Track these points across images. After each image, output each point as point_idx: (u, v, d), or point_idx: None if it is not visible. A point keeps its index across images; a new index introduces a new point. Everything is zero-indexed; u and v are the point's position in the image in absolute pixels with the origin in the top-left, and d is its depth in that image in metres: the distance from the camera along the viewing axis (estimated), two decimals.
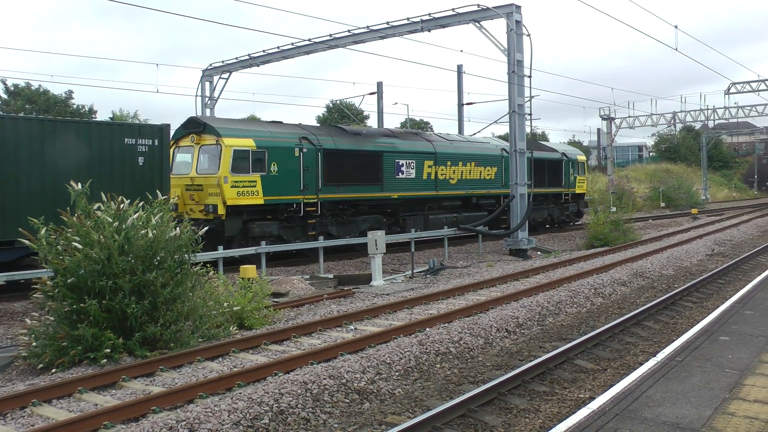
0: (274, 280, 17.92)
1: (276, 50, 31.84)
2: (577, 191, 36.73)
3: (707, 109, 70.45)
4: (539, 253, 26.84)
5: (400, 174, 25.70)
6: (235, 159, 20.44)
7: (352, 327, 12.74)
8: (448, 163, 27.70)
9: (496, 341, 11.68)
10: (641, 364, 8.59)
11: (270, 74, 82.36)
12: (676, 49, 31.98)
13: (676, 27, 31.25)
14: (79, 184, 11.65)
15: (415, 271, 20.92)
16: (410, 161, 26.12)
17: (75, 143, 16.34)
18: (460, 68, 38.32)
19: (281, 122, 24.09)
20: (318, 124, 30.04)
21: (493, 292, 16.41)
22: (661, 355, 8.69)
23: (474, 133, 32.56)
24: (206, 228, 13.05)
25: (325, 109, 69.49)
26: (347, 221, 23.81)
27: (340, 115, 64.44)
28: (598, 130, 68.83)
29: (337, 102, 62.74)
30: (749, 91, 62.54)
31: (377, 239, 18.71)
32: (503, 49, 24.58)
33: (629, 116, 70.15)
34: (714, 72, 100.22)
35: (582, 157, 37.73)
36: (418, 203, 26.77)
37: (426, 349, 10.69)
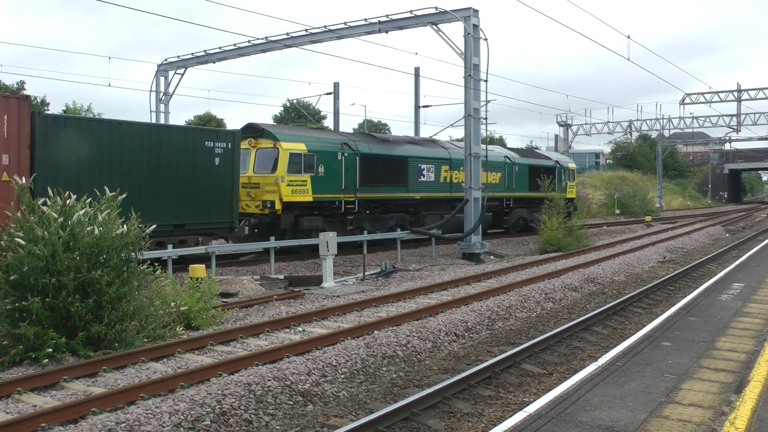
0: (223, 280, 17.86)
1: (232, 47, 31.71)
2: (568, 195, 39.91)
3: (663, 118, 72.30)
4: (492, 257, 27.18)
5: (421, 177, 29.33)
6: (290, 161, 23.75)
7: (300, 328, 12.79)
8: (461, 168, 30.73)
9: (444, 345, 11.84)
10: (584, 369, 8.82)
11: (226, 72, 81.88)
12: (629, 59, 32.70)
13: (628, 37, 31.92)
14: (23, 179, 11.59)
15: (366, 273, 21.03)
16: (430, 166, 29.80)
17: (167, 145, 19.29)
18: (417, 71, 38.57)
19: (325, 129, 27.57)
20: (352, 132, 34.41)
21: (444, 296, 16.60)
22: (603, 360, 8.94)
23: (431, 136, 33.00)
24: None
25: (281, 109, 69.22)
26: (378, 218, 27.33)
27: (297, 114, 64.28)
28: (556, 136, 69.88)
29: (294, 101, 62.56)
30: (703, 102, 64.31)
31: (328, 240, 18.78)
32: (460, 53, 24.85)
33: (586, 123, 71.48)
34: (668, 83, 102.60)
35: (572, 165, 41.78)
36: (436, 203, 30.11)
37: (373, 351, 10.80)
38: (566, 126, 70.84)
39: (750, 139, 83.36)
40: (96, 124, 18.51)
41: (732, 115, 66.34)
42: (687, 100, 64.75)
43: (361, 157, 26.49)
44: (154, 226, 12.80)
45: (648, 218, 48.33)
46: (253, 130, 24.39)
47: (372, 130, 71.60)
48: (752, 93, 62.99)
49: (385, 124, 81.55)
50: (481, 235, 26.24)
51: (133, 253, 11.38)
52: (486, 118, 26.05)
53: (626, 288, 18.88)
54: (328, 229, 24.50)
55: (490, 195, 31.18)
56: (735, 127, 66.87)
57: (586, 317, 13.52)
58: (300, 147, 24.34)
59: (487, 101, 26.10)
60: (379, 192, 26.87)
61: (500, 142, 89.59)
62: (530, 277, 18.98)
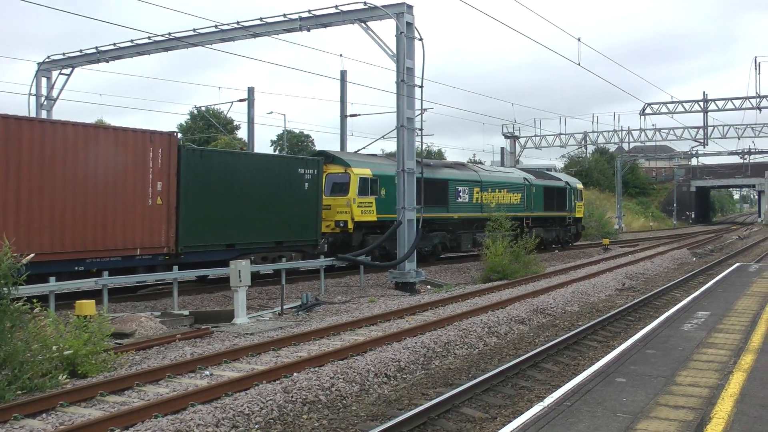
0: (117, 318, 17.57)
1: (129, 44, 31.36)
2: (576, 215, 48.98)
3: (621, 130, 74.36)
4: (429, 287, 27.44)
5: (458, 198, 35.72)
6: (360, 185, 29.72)
7: (207, 372, 12.69)
8: (489, 189, 38.35)
9: (373, 388, 11.91)
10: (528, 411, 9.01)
11: (123, 73, 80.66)
12: (579, 64, 33.58)
13: (578, 40, 32.85)
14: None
15: (285, 307, 20.99)
16: (465, 188, 36.43)
17: (270, 171, 25.47)
18: (343, 75, 38.83)
19: (383, 155, 36.00)
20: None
21: (374, 332, 16.72)
22: (549, 400, 9.14)
23: (358, 150, 33.48)
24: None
25: (188, 117, 68.70)
26: (425, 236, 32.53)
27: (206, 123, 63.87)
28: (502, 149, 71.08)
29: (202, 109, 62.14)
30: (665, 113, 66.34)
31: (241, 270, 18.70)
32: (392, 55, 25.17)
33: (535, 135, 72.95)
34: (626, 92, 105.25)
35: (580, 186, 50.23)
36: (469, 223, 36.60)
37: (292, 397, 10.79)
38: (513, 138, 72.12)
39: (719, 153, 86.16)
40: (219, 155, 24.57)
41: (698, 127, 68.49)
42: (648, 111, 66.67)
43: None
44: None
45: (605, 241, 49.56)
46: (324, 157, 29.84)
47: (293, 142, 71.69)
48: (720, 103, 65.17)
49: (307, 136, 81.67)
50: (416, 262, 26.51)
51: (5, 288, 11.12)
52: (422, 129, 26.37)
53: (580, 319, 19.32)
54: (389, 247, 29.66)
55: (512, 215, 37.19)
56: (702, 141, 69.00)
57: (534, 353, 13.80)
58: (367, 172, 30.40)
59: (423, 110, 26.50)
60: (427, 212, 30.86)
61: (439, 155, 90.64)
62: (472, 309, 19.28)
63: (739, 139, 71.00)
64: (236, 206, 23.86)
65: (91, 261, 19.90)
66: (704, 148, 71.93)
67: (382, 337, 15.20)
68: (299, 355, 14.05)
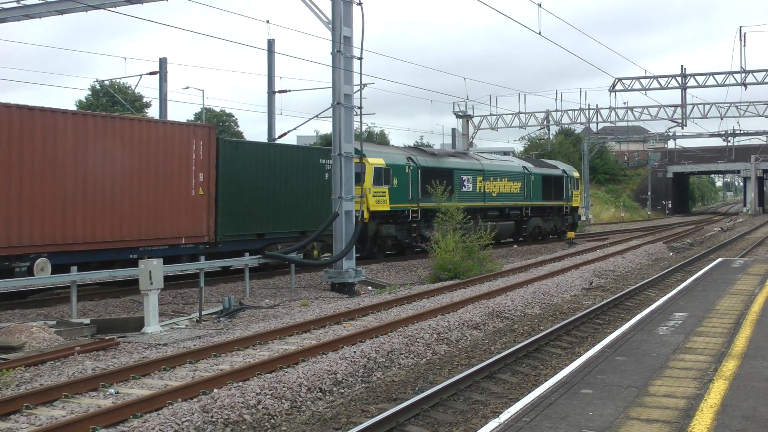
0: (2, 328, 17.25)
1: (14, 5, 30.59)
2: (573, 204, 54.25)
3: (589, 109, 75.10)
4: (370, 288, 27.61)
5: (463, 188, 40.35)
6: (375, 174, 33.93)
7: (112, 390, 12.55)
8: (491, 178, 43.20)
9: (306, 404, 11.89)
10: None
11: (9, 40, 78.95)
12: (540, 33, 33.87)
13: (539, 6, 33.11)
14: None
15: (205, 313, 20.87)
16: (469, 177, 41.30)
17: (295, 163, 30.38)
18: (271, 45, 38.56)
19: (392, 145, 40.25)
20: (406, 145, 50.33)
21: (307, 340, 16.73)
22: (505, 416, 9.23)
23: (290, 130, 33.59)
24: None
25: (89, 92, 67.66)
26: (430, 226, 35.42)
27: (111, 100, 63.01)
28: (453, 130, 71.40)
29: (105, 83, 61.25)
30: (639, 90, 67.01)
31: (152, 270, 18.51)
32: (327, 21, 25.11)
33: (491, 114, 73.36)
34: (594, 66, 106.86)
35: (576, 174, 55.65)
36: (473, 213, 37.31)
37: (212, 417, 10.72)
38: (466, 117, 72.37)
39: (699, 135, 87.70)
40: (250, 146, 29.35)
41: (675, 106, 69.40)
42: (619, 87, 67.33)
43: (422, 169, 37.43)
44: None
45: (570, 234, 50.11)
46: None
47: (211, 121, 71.15)
48: (700, 79, 65.91)
49: (230, 115, 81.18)
50: (354, 259, 26.59)
51: None
52: (361, 107, 26.39)
53: (541, 323, 19.55)
54: (400, 237, 35.60)
55: (511, 204, 44.61)
56: (679, 121, 69.92)
57: (489, 362, 13.92)
58: (380, 162, 34.61)
59: (363, 85, 26.52)
60: (433, 201, 35.03)
61: (381, 137, 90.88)
62: (419, 313, 19.41)
63: (721, 119, 72.19)
64: (266, 196, 28.56)
65: (143, 249, 24.01)
66: (682, 129, 72.94)
67: (317, 346, 15.20)
68: (220, 368, 13.97)
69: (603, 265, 33.02)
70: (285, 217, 29.51)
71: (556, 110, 74.19)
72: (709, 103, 70.50)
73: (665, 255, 40.95)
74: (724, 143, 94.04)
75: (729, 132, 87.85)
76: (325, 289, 26.96)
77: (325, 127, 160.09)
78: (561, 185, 52.16)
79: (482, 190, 42.25)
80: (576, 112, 74.63)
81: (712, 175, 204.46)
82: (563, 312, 21.39)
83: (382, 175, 34.34)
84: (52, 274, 21.18)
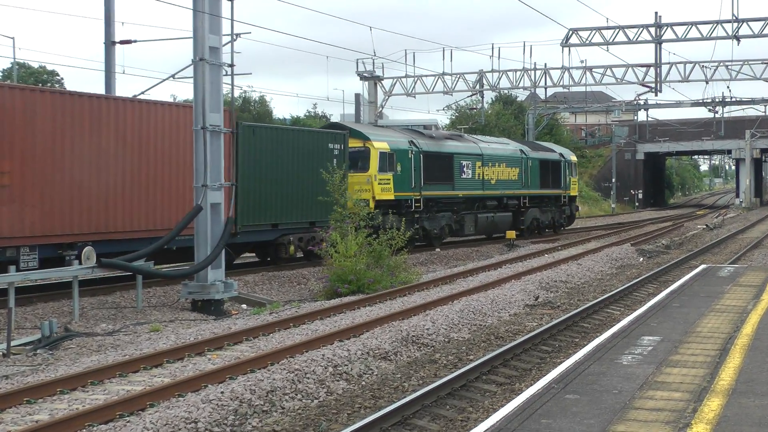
0: None
1: None
2: (571, 193, 61.54)
3: (535, 69, 75.84)
4: (245, 306, 27.47)
5: (463, 174, 47.12)
6: (380, 160, 40.08)
7: None
8: (490, 164, 49.89)
9: None
10: None
11: None
12: None
13: None
14: None
15: (16, 343, 20.47)
16: (468, 162, 47.88)
17: (305, 148, 35.93)
18: None
19: (392, 127, 48.73)
20: (403, 128, 54.50)
21: (158, 378, 16.52)
22: None
23: (137, 95, 33.08)
24: None
25: None
26: (433, 217, 44.45)
27: None
28: (357, 96, 71.34)
29: None
30: (600, 44, 67.84)
31: None
32: None
33: (406, 75, 73.54)
34: (539, 13, 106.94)
35: (574, 158, 63.26)
36: (472, 203, 47.99)
37: None
38: (373, 79, 72.42)
39: (679, 104, 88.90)
40: (266, 131, 35.13)
41: (648, 66, 70.55)
42: (574, 40, 68.32)
43: (423, 154, 43.63)
44: None
45: (511, 234, 50.53)
46: (339, 129, 39.99)
47: (26, 81, 70.26)
48: (679, 30, 67.09)
49: (53, 72, 79.91)
50: (224, 268, 26.43)
51: None
52: (232, 65, 26.18)
53: (471, 351, 19.63)
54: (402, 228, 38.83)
55: (510, 193, 51.77)
56: (652, 86, 70.98)
57: (402, 403, 13.89)
58: (385, 146, 40.91)
59: (236, 35, 26.35)
60: (435, 190, 43.21)
61: (261, 105, 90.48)
62: (309, 339, 19.38)
63: (707, 83, 73.51)
64: (279, 183, 33.66)
65: (178, 239, 27.41)
66: (656, 96, 74.24)
67: (171, 386, 15.05)
68: (36, 419, 13.70)
69: (552, 274, 33.39)
70: (296, 206, 34.94)
71: (492, 71, 74.75)
72: (691, 62, 71.80)
73: (633, 261, 41.60)
74: (711, 114, 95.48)
75: (717, 100, 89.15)
76: (184, 308, 26.77)
77: (185, 90, 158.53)
78: (558, 171, 59.21)
79: (481, 177, 49.14)
80: (518, 73, 75.37)
81: (696, 157, 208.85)
82: (500, 336, 21.52)
83: (386, 161, 40.44)
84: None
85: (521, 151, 54.74)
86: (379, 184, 39.45)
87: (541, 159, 56.89)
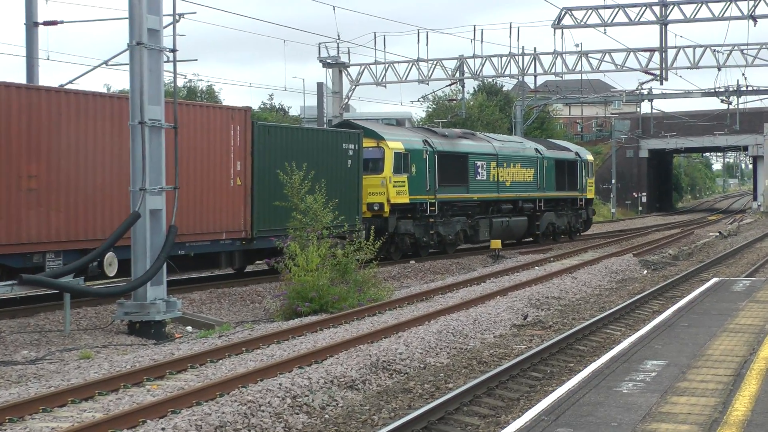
0: None
1: None
2: (588, 196, 64.79)
3: (523, 54, 75.85)
4: (190, 329, 27.41)
5: (477, 176, 49.98)
6: (395, 161, 42.68)
7: None
8: (504, 164, 52.89)
9: None
10: None
11: None
12: None
13: None
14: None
15: None
16: (483, 162, 50.79)
17: (320, 149, 38.64)
18: None
19: (405, 126, 52.18)
20: (415, 126, 63.04)
21: (87, 413, 16.36)
22: None
23: (64, 84, 32.89)
24: None
25: None
26: (447, 222, 47.46)
27: None
28: (319, 86, 71.27)
29: None
30: (597, 26, 67.88)
31: None
32: None
33: (376, 62, 73.50)
34: None
35: (590, 157, 66.87)
36: (486, 206, 51.16)
37: None
38: (338, 66, 72.40)
39: (687, 93, 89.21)
40: (281, 130, 38.23)
41: (652, 50, 70.51)
42: (567, 21, 68.35)
43: (438, 155, 46.57)
44: None
45: (496, 243, 50.62)
46: (351, 128, 42.92)
47: None
48: (687, 9, 67.05)
49: None
50: (165, 284, 26.30)
51: None
52: (175, 50, 26.10)
53: (450, 378, 19.61)
54: (418, 235, 45.08)
55: (525, 196, 54.93)
56: (657, 73, 71.02)
57: None
58: (399, 146, 43.71)
59: (179, 15, 26.21)
60: (449, 193, 46.42)
61: (209, 96, 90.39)
62: (265, 366, 19.29)
63: (719, 69, 73.53)
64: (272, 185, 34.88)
65: (190, 245, 31.62)
66: (662, 85, 74.18)
67: (104, 422, 14.94)
68: None
69: (543, 289, 33.45)
70: None
71: (474, 56, 74.59)
72: (701, 46, 71.79)
73: (636, 274, 41.72)
74: (724, 106, 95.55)
75: (731, 89, 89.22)
76: (120, 331, 26.56)
77: (120, 79, 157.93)
78: (575, 172, 62.86)
79: (496, 179, 52.29)
80: (504, 59, 75.23)
81: (707, 154, 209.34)
82: (483, 361, 21.51)
83: (401, 162, 43.41)
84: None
85: (536, 150, 58.07)
86: (393, 186, 42.49)
87: (557, 159, 60.27)
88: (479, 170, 50.24)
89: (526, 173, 55.54)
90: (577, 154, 64.21)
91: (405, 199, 43.40)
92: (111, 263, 28.09)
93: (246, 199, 33.93)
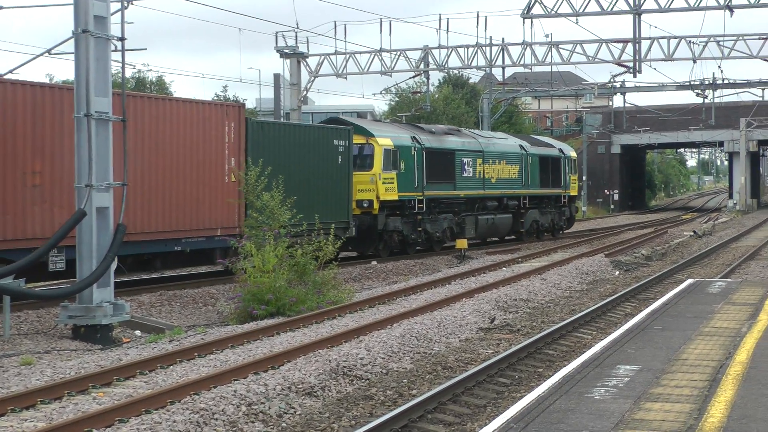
0: None
1: None
2: (571, 193, 67.70)
3: (491, 44, 75.90)
4: (139, 333, 27.28)
5: (464, 173, 52.61)
6: (384, 157, 44.83)
7: None
8: (490, 161, 55.62)
9: None
10: None
11: None
12: None
13: None
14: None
15: None
16: (469, 159, 53.43)
17: (311, 145, 41.14)
18: None
19: (395, 122, 58.20)
20: (402, 123, 63.64)
21: (29, 422, 16.25)
22: None
23: (4, 74, 32.87)
24: None
25: None
26: (435, 219, 49.93)
27: None
28: (276, 77, 71.12)
29: None
30: (568, 15, 67.98)
31: None
32: None
33: (336, 52, 73.43)
34: None
35: (573, 154, 70.36)
36: (472, 203, 53.78)
37: None
38: (296, 57, 72.27)
39: (662, 87, 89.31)
40: (274, 127, 40.83)
41: (625, 41, 70.73)
42: (537, 10, 68.44)
43: (426, 151, 49.08)
44: None
45: (462, 243, 50.67)
46: (340, 124, 45.20)
47: None
48: (662, 0, 67.24)
49: None
50: (113, 286, 26.25)
51: None
52: (123, 39, 26.02)
53: (414, 384, 19.65)
54: (406, 232, 47.36)
55: (510, 193, 57.59)
56: (630, 65, 71.24)
57: None
58: (389, 142, 45.95)
59: (126, 3, 26.17)
60: (437, 190, 48.98)
61: (161, 88, 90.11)
62: (218, 372, 19.30)
63: (695, 62, 73.92)
64: (286, 183, 35.33)
65: (186, 240, 33.95)
66: (635, 78, 74.51)
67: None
68: None
69: (511, 291, 33.53)
70: (302, 206, 36.80)
71: (440, 47, 74.71)
72: (676, 37, 72.00)
73: (607, 275, 41.88)
74: (699, 100, 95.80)
75: (707, 82, 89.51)
76: (64, 335, 26.40)
77: (65, 69, 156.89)
78: (558, 169, 65.44)
79: (482, 175, 54.99)
80: (471, 49, 75.27)
81: (682, 151, 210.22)
82: (448, 366, 21.55)
83: (391, 159, 45.75)
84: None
85: (521, 146, 61.10)
86: (383, 183, 44.81)
87: (541, 155, 63.08)
88: (466, 167, 52.69)
89: (511, 170, 58.01)
90: (560, 150, 66.94)
91: (394, 196, 45.66)
92: None
93: (240, 195, 35.35)
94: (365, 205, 44.50)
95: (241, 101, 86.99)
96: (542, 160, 62.70)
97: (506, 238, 62.55)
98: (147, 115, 32.29)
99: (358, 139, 44.97)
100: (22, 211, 27.88)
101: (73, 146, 26.33)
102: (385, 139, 45.86)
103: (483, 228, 55.12)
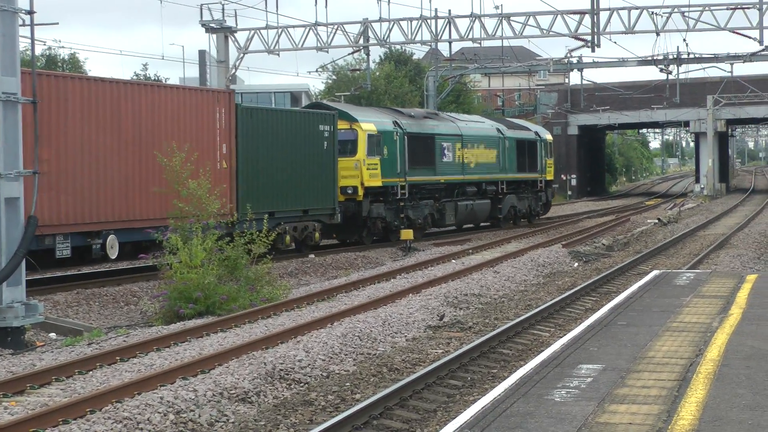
0: None
1: None
2: (547, 177, 72.14)
3: (437, 17, 75.96)
4: (54, 336, 27.11)
5: (444, 158, 56.62)
6: (368, 143, 48.45)
7: None
8: (469, 145, 59.75)
9: None
10: None
11: None
12: None
13: None
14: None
15: None
16: (449, 144, 57.56)
17: (298, 131, 44.67)
18: None
19: (376, 107, 62.92)
20: (383, 107, 67.32)
21: None
22: None
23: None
24: None
25: None
26: (417, 205, 53.57)
27: None
28: (201, 54, 70.95)
29: None
30: None
31: None
32: None
33: (267, 27, 73.25)
34: None
35: (549, 137, 74.85)
36: (452, 189, 57.68)
37: None
38: (223, 32, 72.07)
39: (622, 62, 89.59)
40: (262, 113, 43.63)
41: (582, 12, 71.04)
42: None
43: (408, 136, 52.81)
44: None
45: (407, 233, 50.80)
46: (324, 109, 48.63)
47: None
48: None
49: None
50: (24, 284, 25.98)
51: None
52: (32, 12, 25.88)
53: (358, 388, 19.66)
54: (389, 219, 50.82)
55: (488, 178, 61.68)
56: (588, 38, 71.54)
57: None
58: (372, 127, 49.47)
59: None
60: (418, 176, 52.68)
61: (73, 66, 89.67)
62: (143, 377, 19.24)
63: (658, 35, 74.28)
64: (275, 169, 41.69)
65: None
66: (594, 52, 74.63)
67: None
68: None
69: (461, 285, 33.62)
70: (290, 193, 43.11)
71: (381, 20, 74.56)
72: (637, 8, 72.27)
73: (566, 267, 42.08)
74: (663, 76, 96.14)
75: (671, 57, 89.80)
76: None
77: None
78: (535, 153, 70.21)
79: (461, 160, 59.12)
80: (415, 23, 75.28)
81: (644, 131, 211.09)
82: (395, 368, 21.59)
83: (374, 144, 49.46)
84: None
85: (498, 129, 65.67)
86: (367, 169, 48.54)
87: (518, 139, 67.79)
88: (446, 152, 56.94)
89: (489, 154, 62.54)
90: (536, 133, 71.73)
91: (378, 182, 49.39)
92: (113, 246, 33.66)
93: (232, 182, 38.95)
94: (349, 191, 47.97)
95: (164, 81, 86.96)
96: (519, 144, 66.91)
97: (481, 224, 66.27)
98: (143, 103, 35.37)
99: (341, 125, 47.94)
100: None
101: (75, 133, 29.51)
102: (368, 124, 49.34)
103: (462, 214, 59.17)
